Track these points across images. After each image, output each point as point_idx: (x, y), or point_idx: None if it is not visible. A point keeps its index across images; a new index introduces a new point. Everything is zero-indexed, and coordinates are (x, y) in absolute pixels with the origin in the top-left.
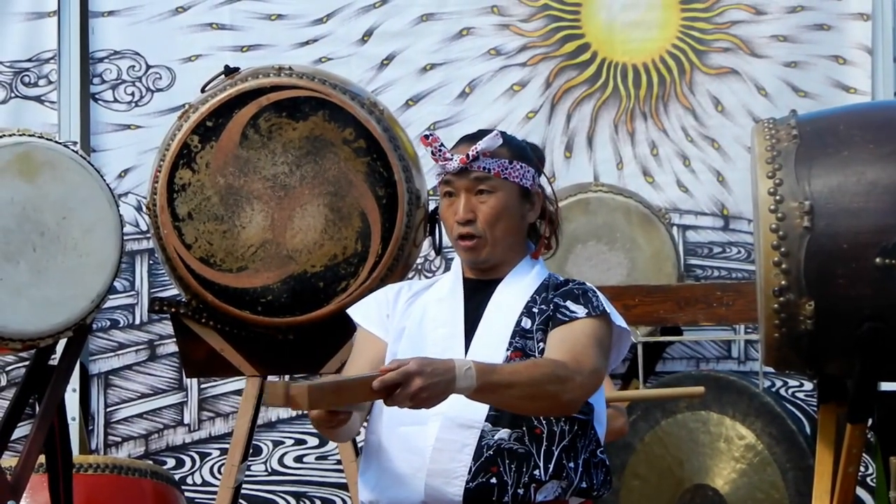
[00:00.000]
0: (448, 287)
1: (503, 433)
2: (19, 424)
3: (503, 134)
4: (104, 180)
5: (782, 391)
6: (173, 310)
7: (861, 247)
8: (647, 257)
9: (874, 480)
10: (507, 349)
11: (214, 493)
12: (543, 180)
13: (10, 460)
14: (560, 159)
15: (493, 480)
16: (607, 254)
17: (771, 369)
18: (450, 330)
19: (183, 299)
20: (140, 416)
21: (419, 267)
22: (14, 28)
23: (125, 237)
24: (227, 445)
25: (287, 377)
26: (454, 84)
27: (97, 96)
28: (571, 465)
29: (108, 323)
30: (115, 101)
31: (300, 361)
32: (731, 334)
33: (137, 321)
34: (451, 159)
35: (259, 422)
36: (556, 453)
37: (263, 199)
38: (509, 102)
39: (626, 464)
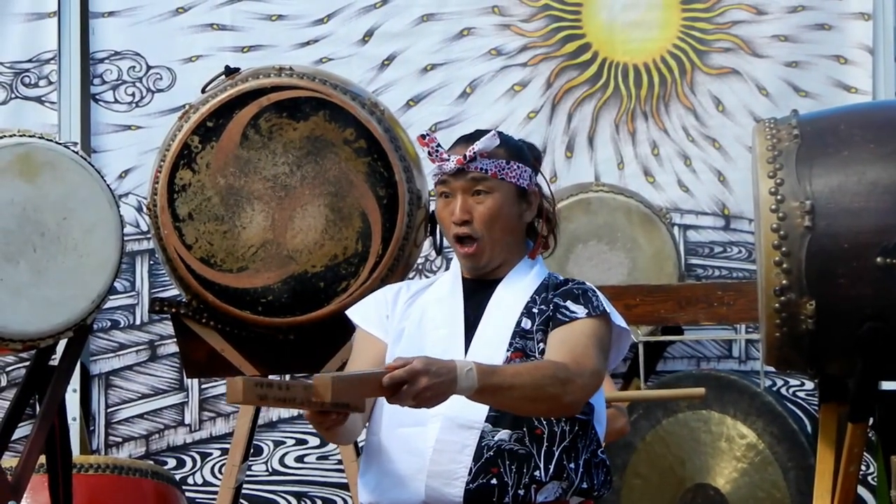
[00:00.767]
0: (447, 287)
1: (503, 434)
2: (20, 425)
3: (500, 134)
4: (104, 181)
5: (783, 390)
6: (174, 310)
7: (862, 246)
8: (647, 257)
9: (875, 479)
10: (508, 350)
11: (215, 493)
12: (540, 179)
13: (10, 461)
14: (561, 159)
15: (494, 481)
16: (608, 253)
17: (772, 369)
18: (449, 331)
19: (183, 300)
20: (141, 416)
21: (420, 267)
22: (14, 29)
23: (125, 238)
24: (227, 445)
25: (273, 376)
26: (455, 84)
27: (97, 97)
28: (572, 465)
29: (109, 323)
30: (116, 101)
31: (301, 361)
32: (732, 334)
33: (138, 321)
34: (448, 160)
35: (260, 422)
36: (556, 454)
37: (264, 200)
38: (510, 103)
39: (628, 463)
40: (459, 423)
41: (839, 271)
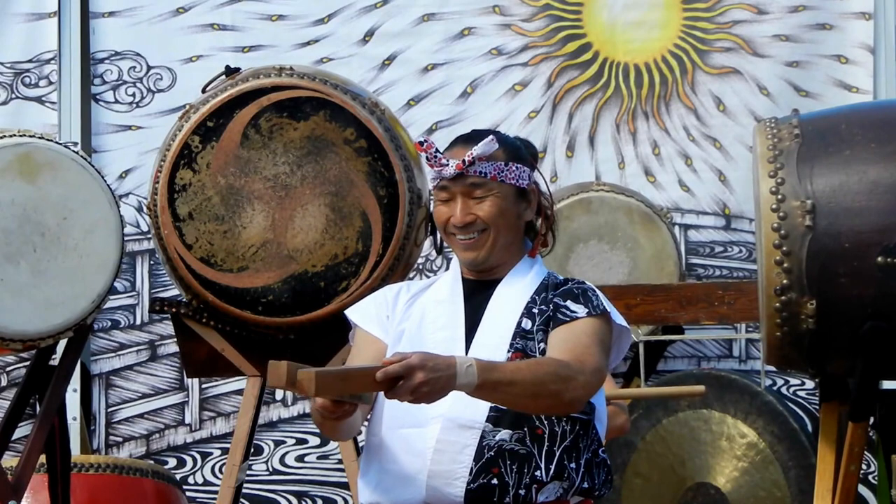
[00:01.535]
0: (447, 288)
1: (504, 434)
2: (20, 424)
3: (497, 135)
4: (105, 181)
5: (784, 390)
6: (174, 310)
7: (863, 246)
8: (648, 256)
9: (876, 478)
10: (508, 351)
11: (216, 492)
12: (538, 176)
13: (11, 460)
14: (562, 159)
15: (495, 481)
16: (609, 253)
17: (772, 368)
18: (450, 333)
19: (184, 299)
20: (141, 416)
21: (420, 267)
22: (14, 29)
23: (126, 238)
24: (228, 445)
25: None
26: (455, 84)
27: (98, 97)
28: (573, 465)
29: (109, 323)
30: (116, 101)
31: (301, 361)
32: (733, 333)
33: (138, 321)
34: (447, 165)
35: (260, 421)
36: (557, 454)
37: (264, 199)
38: (511, 102)
39: (628, 462)
40: (460, 423)
41: (840, 271)
